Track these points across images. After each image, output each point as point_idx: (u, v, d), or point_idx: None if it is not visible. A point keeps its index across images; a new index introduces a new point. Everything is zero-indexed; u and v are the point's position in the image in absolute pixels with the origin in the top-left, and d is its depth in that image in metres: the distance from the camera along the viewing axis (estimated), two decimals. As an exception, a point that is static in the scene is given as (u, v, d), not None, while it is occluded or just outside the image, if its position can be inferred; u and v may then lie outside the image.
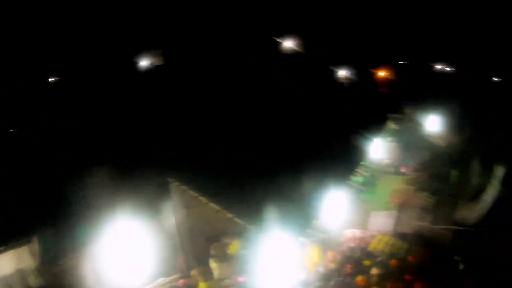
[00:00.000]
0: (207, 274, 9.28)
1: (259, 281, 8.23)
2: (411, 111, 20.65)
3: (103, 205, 8.08)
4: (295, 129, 13.69)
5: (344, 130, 14.38)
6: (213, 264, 9.32)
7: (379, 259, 9.61)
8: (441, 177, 14.46)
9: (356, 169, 13.17)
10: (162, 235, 9.15)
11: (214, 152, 10.81)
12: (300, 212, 9.59)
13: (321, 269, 9.23)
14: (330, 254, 9.64)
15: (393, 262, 9.41)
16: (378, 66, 27.44)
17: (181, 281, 9.23)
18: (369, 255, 9.89)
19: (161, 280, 9.20)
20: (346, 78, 25.83)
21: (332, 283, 8.75)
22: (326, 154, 11.83)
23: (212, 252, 9.61)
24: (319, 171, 10.19)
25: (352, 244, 10.30)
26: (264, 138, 12.49)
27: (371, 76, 27.31)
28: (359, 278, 8.75)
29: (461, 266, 9.33)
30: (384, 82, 27.18)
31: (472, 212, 11.93)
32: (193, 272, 9.32)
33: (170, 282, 9.29)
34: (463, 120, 19.96)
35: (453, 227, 11.12)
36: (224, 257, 9.49)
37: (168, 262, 9.30)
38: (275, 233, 8.26)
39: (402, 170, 15.26)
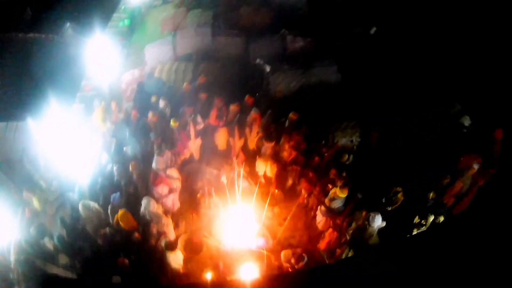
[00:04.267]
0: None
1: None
2: None
3: None
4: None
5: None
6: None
7: (165, 89, 9.32)
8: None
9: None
10: None
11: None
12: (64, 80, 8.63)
13: (109, 124, 8.59)
14: (113, 105, 8.76)
15: (185, 86, 9.01)
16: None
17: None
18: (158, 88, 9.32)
19: None
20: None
21: (126, 134, 8.20)
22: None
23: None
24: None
25: (134, 86, 9.62)
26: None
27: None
28: (150, 115, 8.14)
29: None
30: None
31: None
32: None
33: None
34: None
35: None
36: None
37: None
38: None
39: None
